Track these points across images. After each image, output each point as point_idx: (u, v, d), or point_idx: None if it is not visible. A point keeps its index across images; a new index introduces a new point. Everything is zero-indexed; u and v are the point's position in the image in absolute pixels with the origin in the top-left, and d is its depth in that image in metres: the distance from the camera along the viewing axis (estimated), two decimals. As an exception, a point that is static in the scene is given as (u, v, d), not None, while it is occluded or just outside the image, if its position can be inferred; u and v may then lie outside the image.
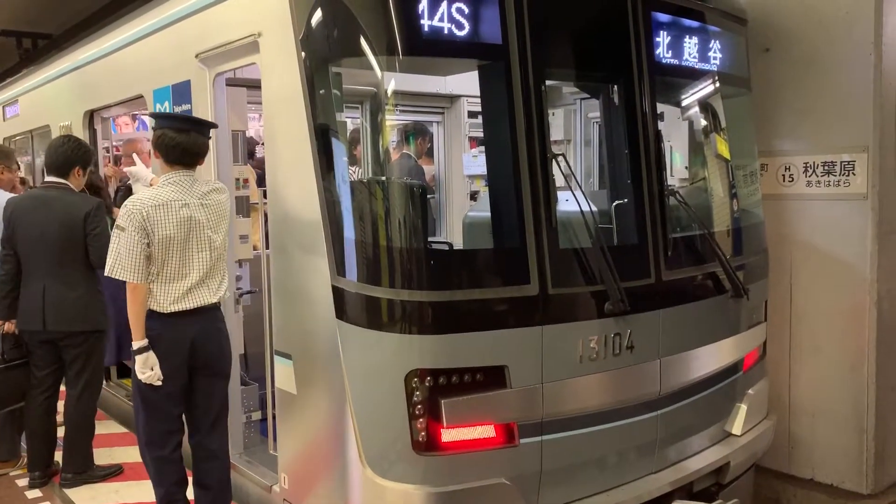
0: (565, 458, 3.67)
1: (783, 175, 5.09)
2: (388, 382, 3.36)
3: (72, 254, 4.85)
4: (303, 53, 3.62)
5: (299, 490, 3.99)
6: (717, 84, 4.59)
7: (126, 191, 6.78)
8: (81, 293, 4.89)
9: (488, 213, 3.64)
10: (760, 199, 4.92)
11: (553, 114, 6.09)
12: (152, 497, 4.18)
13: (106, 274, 3.86)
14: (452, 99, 7.00)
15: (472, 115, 6.98)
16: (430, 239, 4.50)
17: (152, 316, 3.87)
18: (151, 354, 3.83)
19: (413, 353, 3.33)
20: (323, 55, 3.61)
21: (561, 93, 6.05)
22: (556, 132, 6.10)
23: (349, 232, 3.52)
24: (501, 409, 3.46)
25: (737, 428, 4.47)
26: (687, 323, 4.08)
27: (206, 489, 4.11)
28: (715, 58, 4.48)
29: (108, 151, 7.48)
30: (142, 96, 5.63)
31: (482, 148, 6.36)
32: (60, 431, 5.18)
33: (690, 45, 4.28)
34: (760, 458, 4.83)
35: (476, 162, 6.95)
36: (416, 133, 6.89)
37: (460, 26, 3.33)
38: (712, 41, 4.45)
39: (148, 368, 3.82)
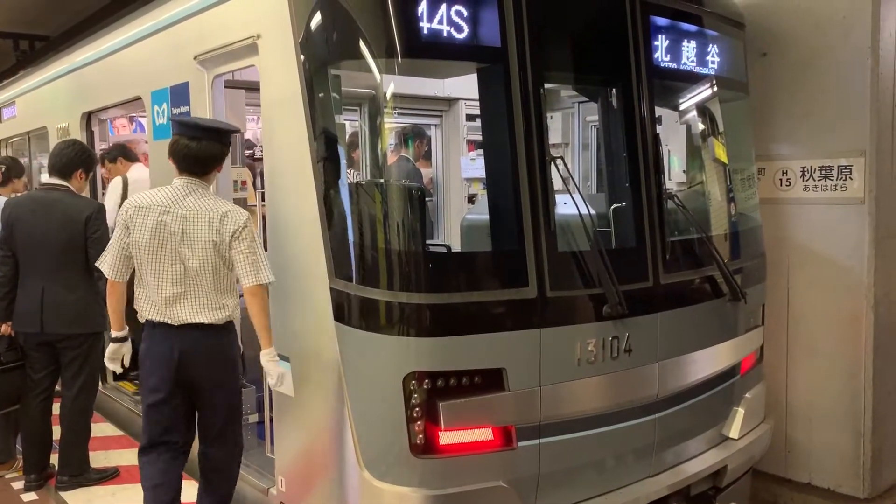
0: (563, 461, 3.67)
1: (780, 179, 5.10)
2: (385, 385, 3.36)
3: (71, 256, 4.84)
4: (302, 56, 3.62)
5: (297, 493, 3.98)
6: (715, 88, 4.60)
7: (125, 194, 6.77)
8: (80, 295, 4.88)
9: (486, 216, 3.64)
10: (758, 203, 4.93)
11: (551, 117, 6.10)
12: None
13: (96, 263, 3.99)
14: (451, 102, 7.02)
15: (470, 118, 7.00)
16: (428, 242, 4.50)
17: (146, 324, 3.91)
18: (123, 347, 4.12)
19: (411, 355, 3.33)
20: (322, 57, 3.61)
21: (559, 96, 6.07)
22: (554, 136, 6.11)
23: (347, 234, 3.52)
24: (499, 411, 3.46)
25: (734, 432, 4.47)
26: (685, 326, 4.08)
27: (207, 498, 4.11)
28: (712, 62, 4.49)
29: (105, 153, 7.46)
30: (140, 98, 5.63)
31: (480, 151, 6.36)
32: (56, 434, 5.16)
33: (688, 49, 4.29)
34: (758, 462, 4.83)
35: (474, 165, 6.96)
36: (414, 136, 6.89)
37: (459, 29, 3.33)
38: (710, 45, 4.46)
39: (113, 360, 4.12)
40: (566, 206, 3.70)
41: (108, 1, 9.86)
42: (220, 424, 4.02)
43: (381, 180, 3.83)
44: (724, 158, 4.75)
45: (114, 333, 4.11)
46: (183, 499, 4.10)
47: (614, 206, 4.09)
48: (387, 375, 3.36)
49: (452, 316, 3.35)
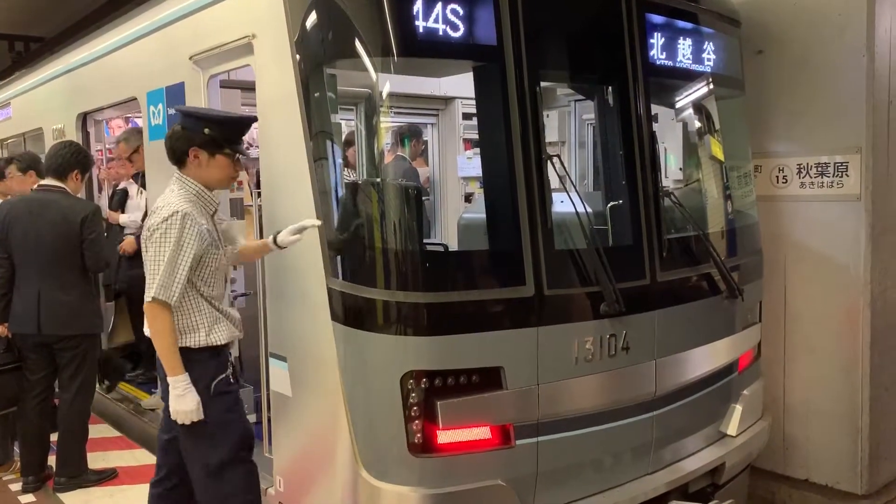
0: (561, 459, 3.67)
1: (777, 176, 5.11)
2: (383, 384, 3.35)
3: (68, 257, 4.84)
4: (297, 55, 3.61)
5: (295, 493, 3.97)
6: (711, 86, 4.60)
7: (122, 194, 6.77)
8: (76, 296, 4.88)
9: (483, 215, 3.64)
10: (754, 201, 4.93)
11: (547, 115, 6.10)
12: (146, 501, 4.15)
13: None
14: (447, 101, 7.02)
15: (466, 116, 7.01)
16: (425, 241, 4.50)
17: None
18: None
19: (409, 354, 3.33)
20: (317, 57, 3.61)
21: (555, 94, 6.07)
22: (550, 134, 6.11)
23: (344, 234, 3.52)
24: (497, 410, 3.46)
25: (732, 429, 4.47)
26: (682, 324, 4.08)
27: None
28: (708, 59, 4.49)
29: (101, 154, 7.46)
30: (135, 98, 5.62)
31: (477, 150, 6.36)
32: (53, 436, 5.16)
33: (684, 46, 4.29)
34: (755, 459, 4.84)
35: (471, 164, 6.97)
36: (410, 135, 6.89)
37: (455, 28, 3.33)
38: (706, 43, 4.46)
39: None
40: (563, 204, 3.69)
41: (103, 2, 9.85)
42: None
43: (378, 180, 3.82)
44: (721, 156, 4.76)
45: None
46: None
47: (611, 204, 4.09)
48: (385, 375, 3.35)
49: (450, 315, 3.35)
